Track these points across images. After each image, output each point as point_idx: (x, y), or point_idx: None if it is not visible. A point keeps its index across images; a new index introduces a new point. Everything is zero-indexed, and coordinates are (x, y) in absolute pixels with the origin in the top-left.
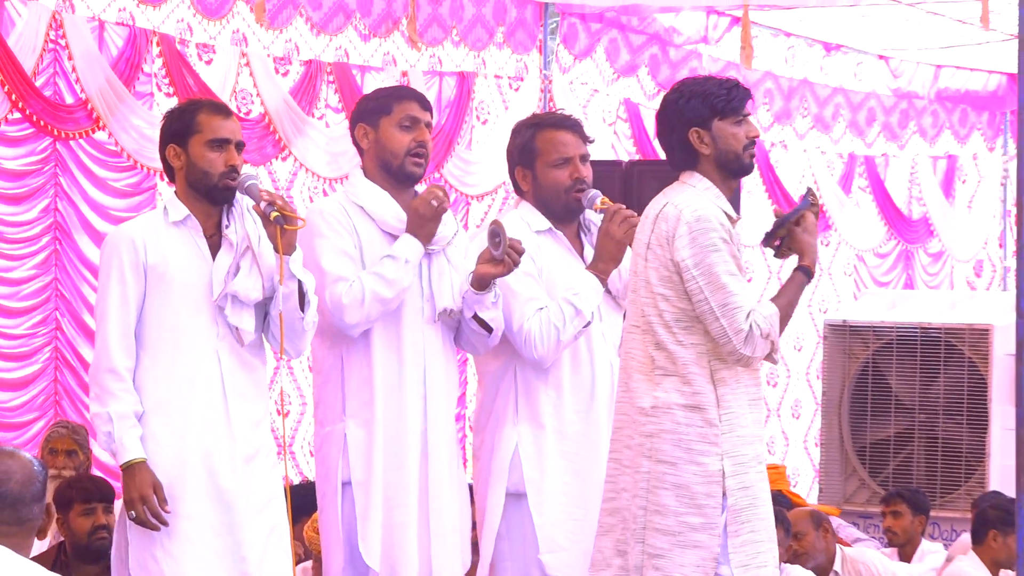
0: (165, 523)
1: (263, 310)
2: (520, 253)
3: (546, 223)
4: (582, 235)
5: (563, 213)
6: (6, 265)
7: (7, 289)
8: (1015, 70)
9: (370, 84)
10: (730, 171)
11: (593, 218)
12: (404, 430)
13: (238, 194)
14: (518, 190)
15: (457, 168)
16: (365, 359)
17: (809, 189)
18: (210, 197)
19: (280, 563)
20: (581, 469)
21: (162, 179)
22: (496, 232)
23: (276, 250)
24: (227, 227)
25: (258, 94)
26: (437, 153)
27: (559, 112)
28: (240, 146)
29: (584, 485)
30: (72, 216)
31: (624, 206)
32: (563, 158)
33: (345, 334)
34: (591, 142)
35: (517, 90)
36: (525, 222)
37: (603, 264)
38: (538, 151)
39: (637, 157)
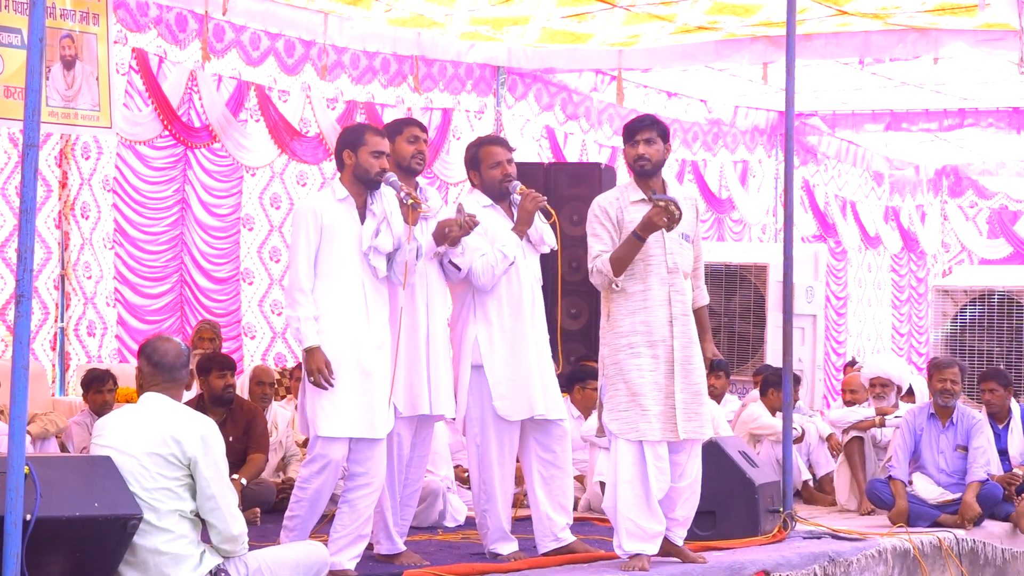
0: (332, 384)
1: (390, 259)
2: (475, 223)
3: (490, 201)
4: (511, 208)
5: (498, 195)
6: (150, 224)
7: (150, 238)
8: (783, 108)
9: (388, 115)
10: (636, 174)
11: (517, 199)
12: (415, 326)
13: (382, 184)
14: (472, 182)
15: (442, 166)
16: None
17: (667, 199)
18: (367, 185)
19: (391, 416)
20: (515, 348)
21: (247, 173)
22: (460, 209)
23: (406, 221)
24: (372, 204)
25: (316, 121)
26: (431, 158)
27: (494, 135)
28: (386, 156)
29: (517, 358)
30: (192, 195)
31: (534, 191)
32: (496, 161)
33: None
34: (514, 151)
35: (480, 118)
36: (477, 201)
37: (521, 226)
38: (481, 158)
39: (552, 160)
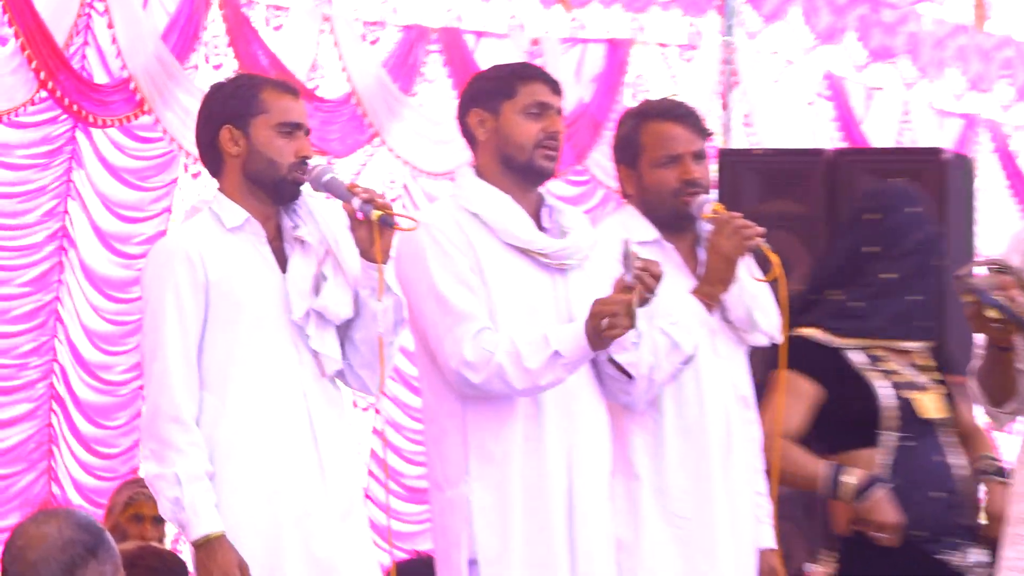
0: None
1: (346, 335)
2: (657, 278)
3: (653, 232)
4: (699, 248)
5: (672, 221)
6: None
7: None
8: None
9: (488, 55)
10: None
11: (702, 229)
12: (545, 491)
13: (306, 187)
14: (623, 191)
15: (607, 159)
16: (492, 403)
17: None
18: (275, 193)
19: None
20: (689, 538)
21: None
22: (627, 253)
23: (368, 257)
24: (296, 228)
25: (343, 68)
26: (579, 140)
27: (670, 99)
28: (307, 134)
29: (688, 560)
30: (81, 212)
31: (740, 215)
32: (670, 155)
33: (461, 391)
34: (710, 136)
35: (689, 61)
36: (627, 231)
37: (708, 287)
38: (643, 146)
39: (844, 145)
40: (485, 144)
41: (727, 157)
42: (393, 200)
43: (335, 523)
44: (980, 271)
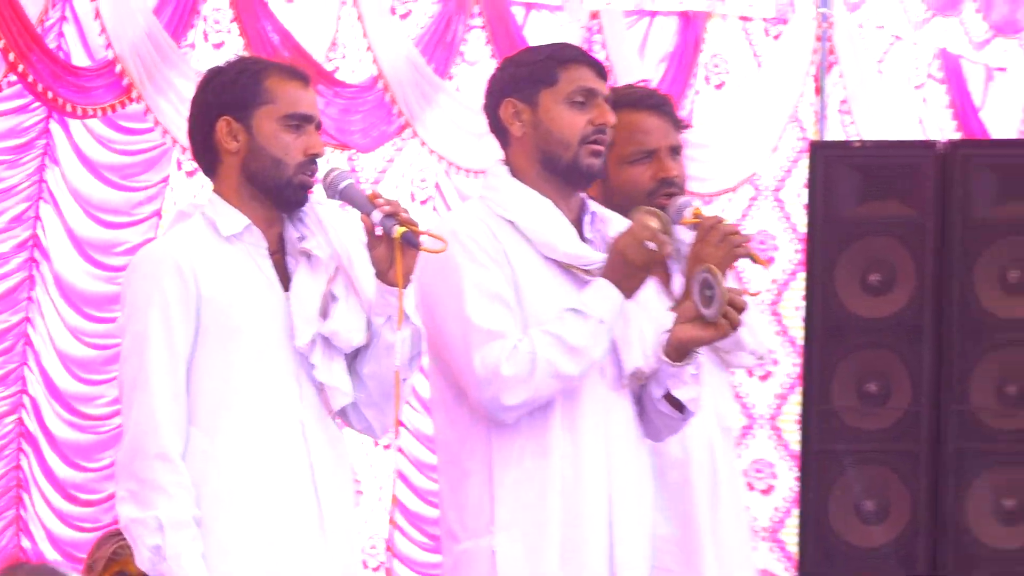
0: None
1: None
2: (741, 310)
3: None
4: (675, 256)
5: None
6: None
7: None
8: None
9: (538, 30)
10: None
11: (684, 236)
12: (582, 542)
13: (317, 194)
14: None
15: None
16: (523, 440)
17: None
18: (279, 197)
19: None
20: None
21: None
22: (709, 283)
23: (386, 280)
24: (303, 240)
25: (368, 47)
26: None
27: (640, 87)
28: (319, 128)
29: None
30: (52, 213)
31: (723, 219)
32: (644, 151)
33: (497, 417)
34: (686, 129)
35: (777, 38)
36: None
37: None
38: (611, 141)
39: (959, 136)
40: (521, 140)
41: (821, 151)
42: (424, 202)
43: None
44: None
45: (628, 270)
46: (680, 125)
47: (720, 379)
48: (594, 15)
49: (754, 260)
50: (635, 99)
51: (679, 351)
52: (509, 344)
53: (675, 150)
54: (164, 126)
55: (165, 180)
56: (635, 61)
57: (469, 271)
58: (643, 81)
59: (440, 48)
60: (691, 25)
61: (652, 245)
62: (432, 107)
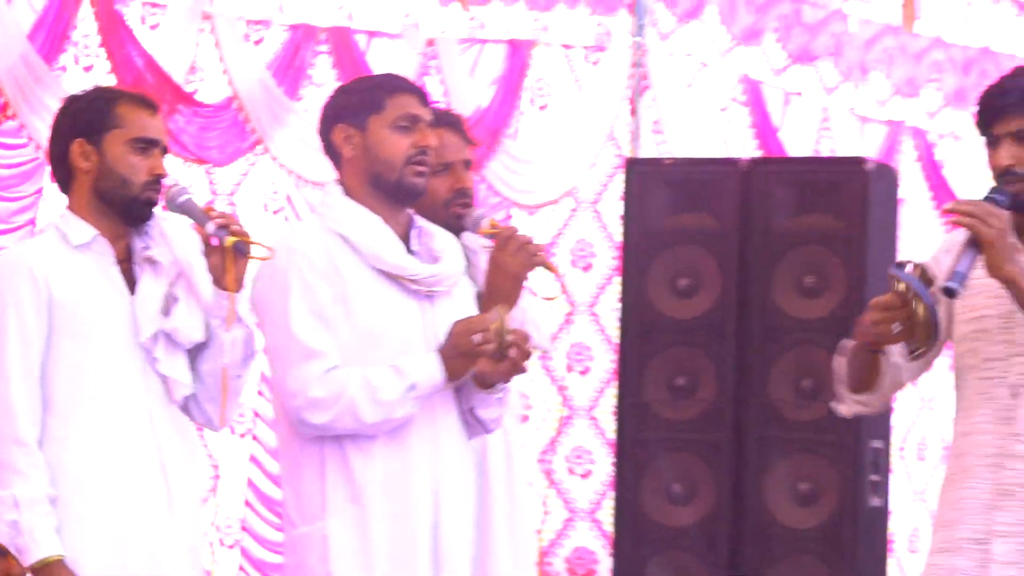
0: None
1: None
2: (526, 355)
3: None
4: (470, 267)
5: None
6: None
7: None
8: None
9: (380, 56)
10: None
11: (472, 243)
12: (409, 530)
13: (156, 211)
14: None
15: (505, 170)
16: (352, 437)
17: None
18: (126, 212)
19: None
20: None
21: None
22: (494, 319)
23: (221, 285)
24: (147, 249)
25: (224, 71)
26: (483, 150)
27: (439, 108)
28: (164, 152)
29: None
30: None
31: (517, 229)
32: (442, 163)
33: (297, 429)
34: (476, 145)
35: (596, 64)
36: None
37: (495, 305)
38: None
39: (759, 154)
40: (352, 161)
41: (635, 167)
42: (276, 212)
43: (183, 554)
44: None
45: (454, 353)
46: (471, 142)
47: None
48: (430, 42)
49: (547, 268)
50: (445, 116)
51: (480, 381)
52: (324, 366)
53: (467, 164)
54: (37, 142)
55: (39, 191)
56: (467, 84)
57: (297, 288)
58: (454, 108)
59: (290, 72)
60: (518, 52)
61: (478, 338)
62: (282, 126)
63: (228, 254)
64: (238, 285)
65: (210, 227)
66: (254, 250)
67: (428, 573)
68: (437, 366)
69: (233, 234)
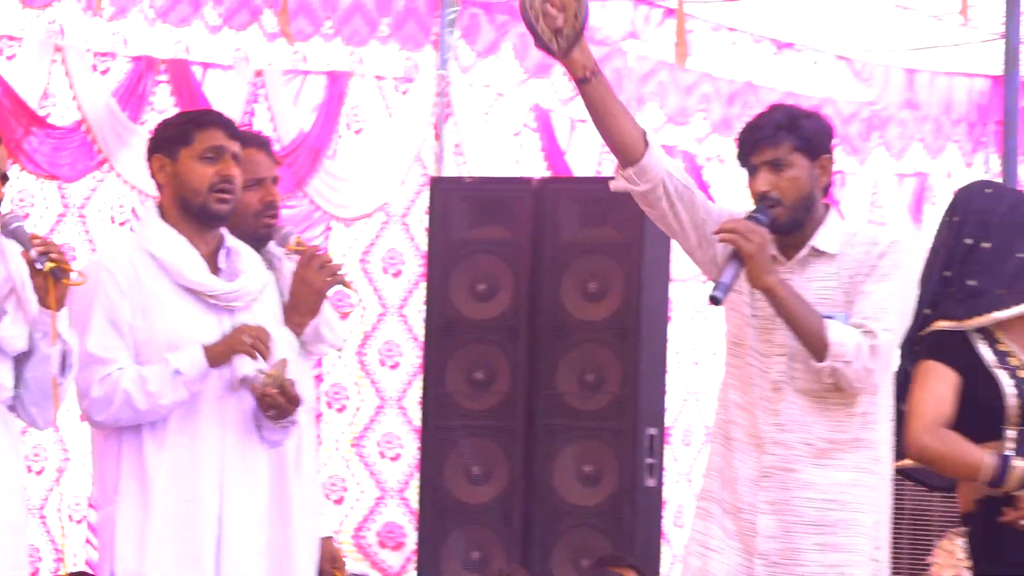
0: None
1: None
2: (291, 401)
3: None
4: (278, 281)
5: (247, 241)
6: None
7: None
8: (1000, 72)
9: (214, 85)
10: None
11: (278, 251)
12: (194, 514)
13: None
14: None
15: (325, 186)
16: (148, 426)
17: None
18: None
19: None
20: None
21: None
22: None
23: (44, 304)
24: None
25: (74, 97)
26: (299, 168)
27: (248, 130)
28: (4, 179)
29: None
30: None
31: (319, 248)
32: (254, 179)
33: (92, 425)
34: (280, 165)
35: (405, 93)
36: None
37: (299, 317)
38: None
39: (549, 174)
40: (165, 187)
41: (439, 185)
42: (122, 224)
43: (8, 540)
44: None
45: (220, 344)
46: (278, 162)
47: (304, 367)
48: (258, 73)
49: (346, 286)
50: (245, 139)
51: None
52: (107, 370)
53: (275, 180)
54: None
55: None
56: (291, 111)
57: (100, 300)
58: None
59: (133, 99)
60: (336, 82)
61: (248, 339)
62: (127, 147)
63: (49, 278)
64: (58, 304)
65: (33, 253)
66: (70, 276)
67: (211, 558)
68: (199, 353)
69: (52, 260)
